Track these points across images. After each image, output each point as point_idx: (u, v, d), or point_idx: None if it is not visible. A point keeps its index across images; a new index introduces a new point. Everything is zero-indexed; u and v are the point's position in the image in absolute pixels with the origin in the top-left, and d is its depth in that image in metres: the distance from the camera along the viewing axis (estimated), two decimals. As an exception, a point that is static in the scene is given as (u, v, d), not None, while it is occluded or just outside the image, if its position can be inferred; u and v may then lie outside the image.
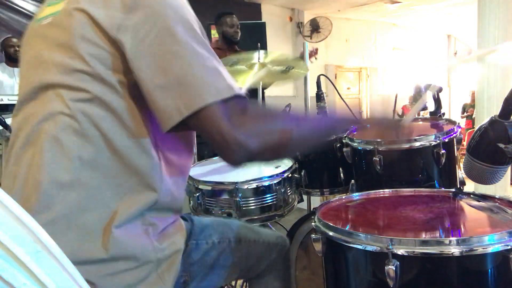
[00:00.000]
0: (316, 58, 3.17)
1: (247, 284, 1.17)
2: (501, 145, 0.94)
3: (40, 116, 0.77)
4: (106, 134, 0.76)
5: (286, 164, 1.58)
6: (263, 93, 3.31)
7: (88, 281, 0.56)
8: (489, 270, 0.79)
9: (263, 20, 6.58)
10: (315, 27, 7.34)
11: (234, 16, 3.39)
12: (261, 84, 2.26)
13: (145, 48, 0.73)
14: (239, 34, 3.39)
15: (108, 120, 0.76)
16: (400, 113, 7.40)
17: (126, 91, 0.77)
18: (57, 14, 0.81)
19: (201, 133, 0.77)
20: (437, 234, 0.90)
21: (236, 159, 0.77)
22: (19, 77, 0.92)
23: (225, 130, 0.74)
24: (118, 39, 0.74)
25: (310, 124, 0.94)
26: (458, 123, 1.37)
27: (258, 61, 2.10)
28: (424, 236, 0.89)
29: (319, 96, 1.85)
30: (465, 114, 7.68)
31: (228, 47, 3.39)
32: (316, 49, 3.22)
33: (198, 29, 0.78)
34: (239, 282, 1.62)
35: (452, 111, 9.67)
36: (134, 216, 0.78)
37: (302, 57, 2.98)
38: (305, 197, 1.81)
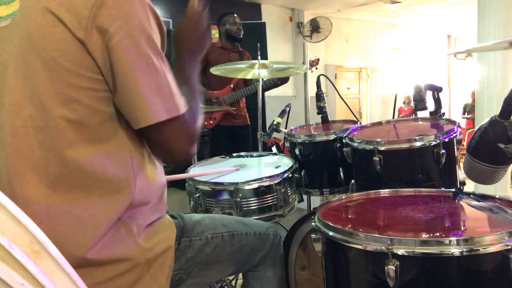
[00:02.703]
0: (316, 68, 3.27)
1: (243, 277, 1.16)
2: (501, 145, 0.94)
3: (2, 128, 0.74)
4: (71, 146, 0.73)
5: (286, 164, 1.58)
6: (263, 94, 3.33)
7: None
8: (489, 270, 0.79)
9: (263, 20, 6.58)
10: (315, 27, 7.34)
11: (236, 15, 3.43)
12: (261, 86, 2.28)
13: (112, 52, 0.73)
14: (242, 32, 3.42)
15: (72, 131, 0.74)
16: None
17: (91, 93, 0.75)
18: (15, 14, 0.76)
19: (155, 143, 0.82)
20: (437, 234, 0.90)
21: (181, 164, 0.90)
22: None
23: (181, 144, 0.82)
24: (84, 40, 0.72)
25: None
26: (458, 123, 1.37)
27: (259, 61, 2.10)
28: (424, 236, 0.89)
29: (319, 96, 1.85)
30: (466, 115, 7.66)
31: (231, 46, 3.41)
32: (318, 60, 3.31)
33: (157, 41, 0.79)
34: (239, 282, 1.62)
35: (452, 111, 9.67)
36: (110, 223, 0.76)
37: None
38: (305, 197, 1.81)
